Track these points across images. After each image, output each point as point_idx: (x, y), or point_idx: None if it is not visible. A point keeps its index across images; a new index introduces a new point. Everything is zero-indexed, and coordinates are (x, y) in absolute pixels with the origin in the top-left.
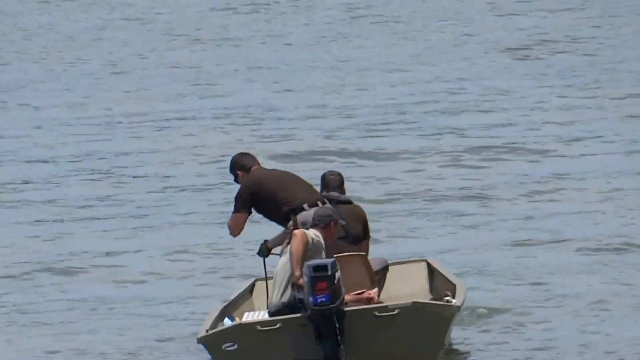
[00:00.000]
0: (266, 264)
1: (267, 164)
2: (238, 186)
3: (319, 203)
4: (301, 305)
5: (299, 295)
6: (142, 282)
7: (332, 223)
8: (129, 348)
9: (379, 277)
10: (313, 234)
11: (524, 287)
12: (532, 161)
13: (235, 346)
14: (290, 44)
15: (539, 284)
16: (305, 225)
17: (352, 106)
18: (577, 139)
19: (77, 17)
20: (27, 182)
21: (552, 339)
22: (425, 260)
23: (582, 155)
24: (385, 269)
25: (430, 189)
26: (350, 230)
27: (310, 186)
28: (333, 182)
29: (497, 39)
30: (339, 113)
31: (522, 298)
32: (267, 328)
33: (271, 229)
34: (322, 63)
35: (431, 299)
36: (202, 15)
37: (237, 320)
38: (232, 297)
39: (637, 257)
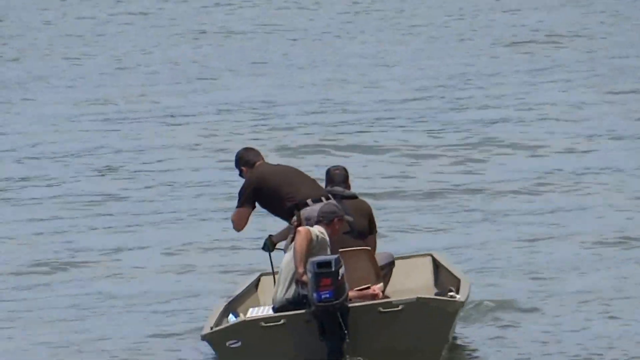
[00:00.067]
0: (272, 258)
1: (271, 158)
2: (242, 181)
3: (323, 198)
4: (305, 302)
5: (303, 292)
6: (145, 278)
7: (335, 220)
8: (132, 344)
9: (384, 272)
10: (317, 230)
11: (528, 282)
12: (536, 156)
13: (240, 343)
14: (294, 39)
15: (544, 279)
16: (309, 221)
17: (356, 101)
18: (582, 135)
19: (81, 13)
20: (30, 178)
21: (556, 334)
22: (431, 255)
23: (587, 150)
24: (391, 264)
25: (435, 184)
26: (355, 226)
27: (314, 182)
28: (338, 177)
29: (501, 34)
30: (343, 108)
31: (526, 293)
32: (271, 324)
33: (275, 224)
34: (326, 58)
35: (436, 294)
36: (206, 11)
37: (242, 317)
38: (237, 292)
39: None
